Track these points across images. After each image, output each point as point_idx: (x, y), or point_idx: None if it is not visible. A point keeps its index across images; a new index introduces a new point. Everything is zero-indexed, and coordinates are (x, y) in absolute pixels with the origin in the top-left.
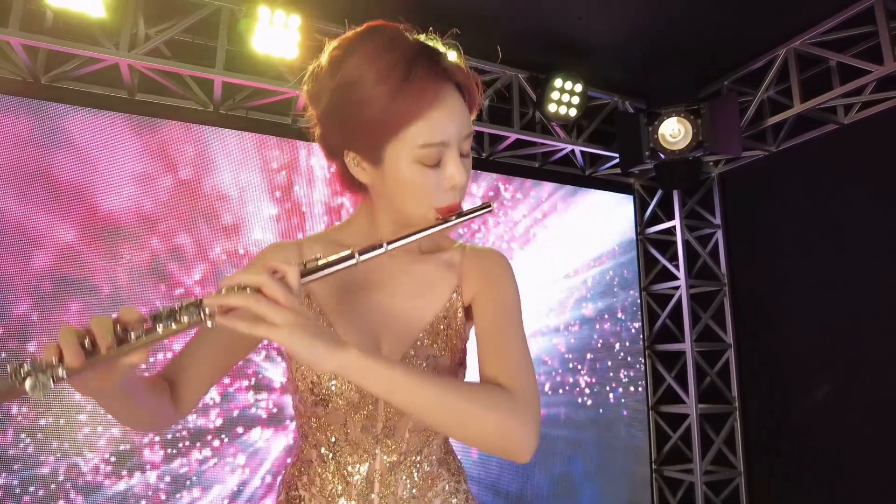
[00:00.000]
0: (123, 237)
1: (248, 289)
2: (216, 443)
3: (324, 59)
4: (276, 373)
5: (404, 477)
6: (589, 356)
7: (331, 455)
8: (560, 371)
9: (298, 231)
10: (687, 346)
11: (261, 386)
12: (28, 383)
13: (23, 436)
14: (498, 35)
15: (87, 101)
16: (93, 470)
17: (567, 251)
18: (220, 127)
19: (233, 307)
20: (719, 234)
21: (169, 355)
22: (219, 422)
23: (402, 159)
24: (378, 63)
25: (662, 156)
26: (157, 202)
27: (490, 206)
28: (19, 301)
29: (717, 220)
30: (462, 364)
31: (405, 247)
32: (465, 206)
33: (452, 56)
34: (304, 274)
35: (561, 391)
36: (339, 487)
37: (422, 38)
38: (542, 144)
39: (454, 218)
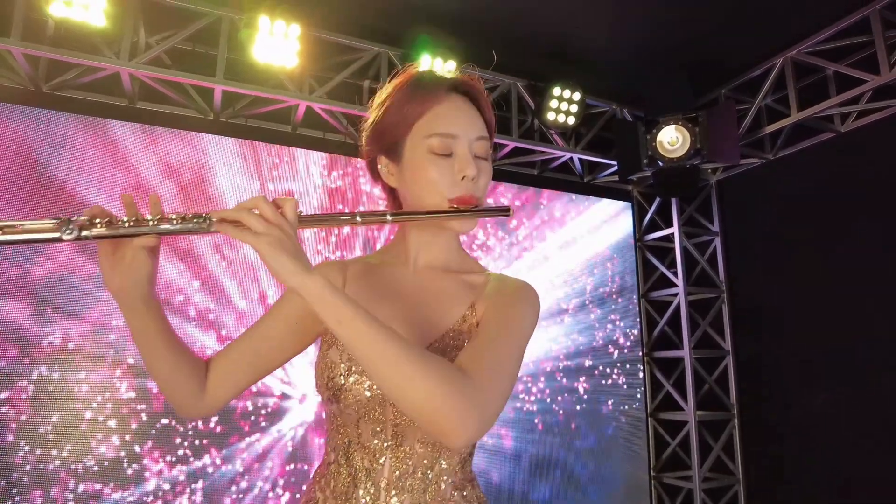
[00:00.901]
0: None
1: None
2: (214, 452)
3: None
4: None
5: (413, 491)
6: (588, 363)
7: (344, 458)
8: (559, 377)
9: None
10: (685, 353)
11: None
12: (63, 233)
13: (21, 443)
14: (497, 43)
15: (87, 109)
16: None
17: (565, 258)
18: (220, 135)
19: (231, 218)
20: (717, 242)
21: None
22: (218, 429)
23: (416, 150)
24: (398, 85)
25: (661, 163)
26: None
27: (508, 209)
28: (18, 309)
29: (716, 228)
30: None
31: (432, 263)
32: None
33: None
34: (305, 217)
35: (560, 398)
36: (351, 490)
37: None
38: (541, 152)
39: (467, 210)
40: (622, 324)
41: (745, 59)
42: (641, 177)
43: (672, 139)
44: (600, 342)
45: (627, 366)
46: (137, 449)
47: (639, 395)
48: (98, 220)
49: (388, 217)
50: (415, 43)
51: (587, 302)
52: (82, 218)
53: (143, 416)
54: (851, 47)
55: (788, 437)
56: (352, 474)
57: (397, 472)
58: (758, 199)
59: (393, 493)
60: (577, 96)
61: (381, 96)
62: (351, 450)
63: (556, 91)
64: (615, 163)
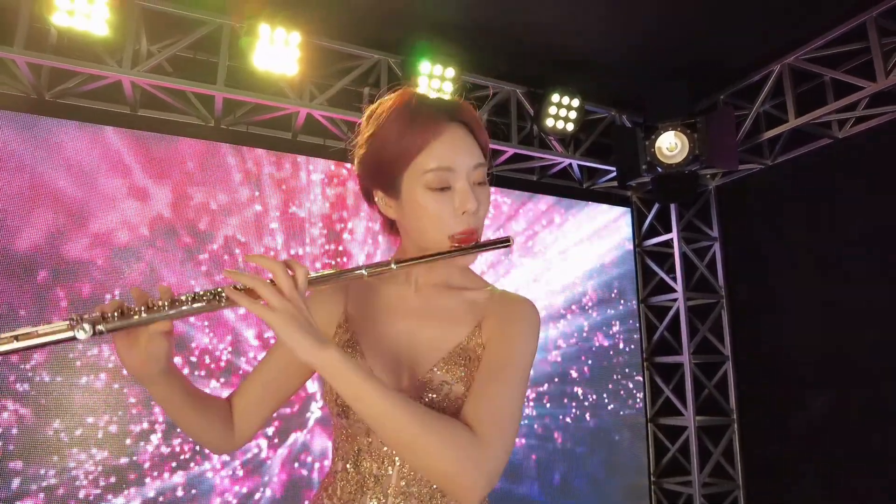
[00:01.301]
0: (129, 254)
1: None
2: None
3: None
4: None
5: (420, 498)
6: (587, 368)
7: (353, 465)
8: (559, 382)
9: (299, 245)
10: (685, 358)
11: None
12: (77, 332)
13: (12, 449)
14: (496, 51)
15: (90, 116)
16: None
17: (565, 263)
18: (221, 142)
19: (245, 285)
20: (717, 247)
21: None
22: None
23: (414, 188)
24: (392, 113)
25: (660, 169)
26: (155, 216)
27: (509, 240)
28: (21, 315)
29: (715, 233)
30: None
31: (433, 281)
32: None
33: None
34: (315, 278)
35: (560, 403)
36: (358, 496)
37: (435, 95)
38: (541, 158)
39: (469, 248)
40: (622, 329)
41: (744, 65)
42: (640, 182)
43: (671, 145)
44: (600, 347)
45: (627, 371)
46: (136, 457)
47: (639, 401)
48: (109, 315)
49: (393, 265)
50: (414, 50)
51: (587, 307)
52: (95, 314)
53: (145, 424)
54: (848, 54)
55: (788, 442)
56: (360, 481)
57: (404, 481)
58: (757, 205)
59: (400, 499)
60: (575, 103)
61: (374, 122)
62: (360, 457)
63: (555, 98)
64: (614, 168)
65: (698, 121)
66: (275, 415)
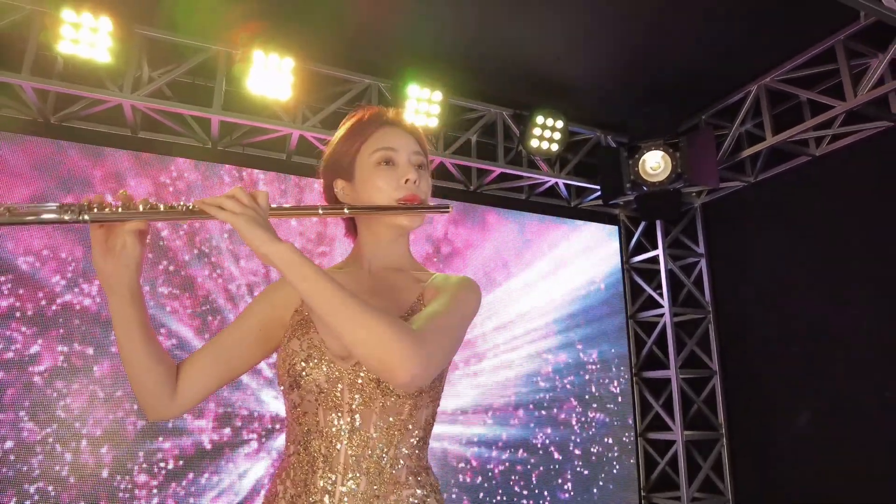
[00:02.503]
0: None
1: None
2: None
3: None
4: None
5: (369, 474)
6: (577, 383)
7: (303, 447)
8: (549, 397)
9: None
10: (672, 373)
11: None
12: (65, 215)
13: (12, 457)
14: (482, 74)
15: (93, 139)
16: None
17: (554, 280)
18: (218, 163)
19: (211, 203)
20: (703, 263)
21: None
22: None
23: (364, 166)
24: (347, 123)
25: (645, 188)
26: (157, 236)
27: (448, 207)
28: (27, 335)
29: (701, 249)
30: None
31: (385, 265)
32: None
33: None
34: (274, 208)
35: (550, 418)
36: (309, 476)
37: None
38: (528, 178)
39: (411, 207)
40: (611, 344)
41: (723, 86)
42: (628, 200)
43: (655, 164)
44: (590, 362)
45: (617, 386)
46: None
47: (628, 415)
48: (95, 206)
49: (346, 210)
50: (403, 74)
51: (576, 322)
52: (82, 203)
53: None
54: (824, 74)
55: (777, 455)
56: (310, 462)
57: (354, 457)
58: (742, 221)
59: (349, 475)
60: (559, 124)
61: (335, 136)
62: (310, 438)
63: (540, 119)
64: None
65: (680, 140)
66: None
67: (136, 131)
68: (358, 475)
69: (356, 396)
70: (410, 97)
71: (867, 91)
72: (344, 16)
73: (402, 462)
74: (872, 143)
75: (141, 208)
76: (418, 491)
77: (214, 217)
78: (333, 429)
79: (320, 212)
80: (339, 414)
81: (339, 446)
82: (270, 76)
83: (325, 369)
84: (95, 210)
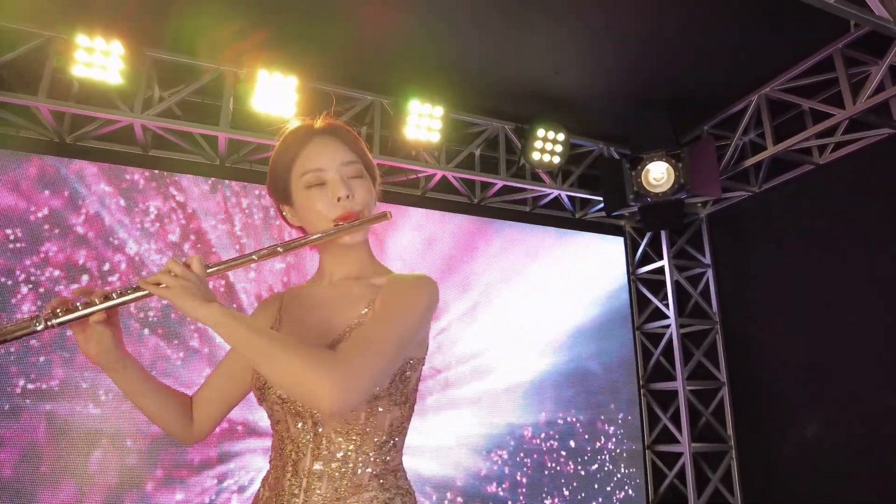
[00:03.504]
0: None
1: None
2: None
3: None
4: None
5: (332, 479)
6: (584, 395)
7: (279, 452)
8: (556, 410)
9: (301, 271)
10: (679, 384)
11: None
12: (36, 325)
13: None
14: (484, 89)
15: (106, 157)
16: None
17: (560, 292)
18: (226, 179)
19: (152, 281)
20: (710, 273)
21: None
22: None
23: (298, 191)
24: (277, 145)
25: (648, 199)
26: (163, 250)
27: (386, 214)
28: (38, 348)
29: (707, 260)
30: None
31: (345, 275)
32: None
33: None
34: (211, 266)
35: (556, 429)
36: (282, 481)
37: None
38: (532, 190)
39: (347, 225)
40: (618, 356)
41: (724, 96)
42: (633, 211)
43: (657, 175)
44: (596, 374)
45: (624, 398)
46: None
47: (636, 427)
48: (59, 311)
49: (280, 248)
50: (405, 91)
51: (583, 334)
52: (46, 311)
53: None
54: (824, 83)
55: (786, 467)
56: (282, 466)
57: (319, 463)
58: (748, 231)
59: (314, 480)
60: (561, 137)
61: (271, 159)
62: (284, 444)
63: (541, 132)
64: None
65: (683, 151)
66: None
67: (147, 149)
68: (321, 480)
69: None
70: (412, 112)
71: (867, 98)
72: (346, 35)
73: (364, 466)
74: (875, 150)
75: (97, 301)
76: (381, 494)
77: (154, 294)
78: (300, 435)
79: (255, 258)
80: (303, 420)
81: (305, 452)
82: (275, 94)
83: None
84: (59, 313)
